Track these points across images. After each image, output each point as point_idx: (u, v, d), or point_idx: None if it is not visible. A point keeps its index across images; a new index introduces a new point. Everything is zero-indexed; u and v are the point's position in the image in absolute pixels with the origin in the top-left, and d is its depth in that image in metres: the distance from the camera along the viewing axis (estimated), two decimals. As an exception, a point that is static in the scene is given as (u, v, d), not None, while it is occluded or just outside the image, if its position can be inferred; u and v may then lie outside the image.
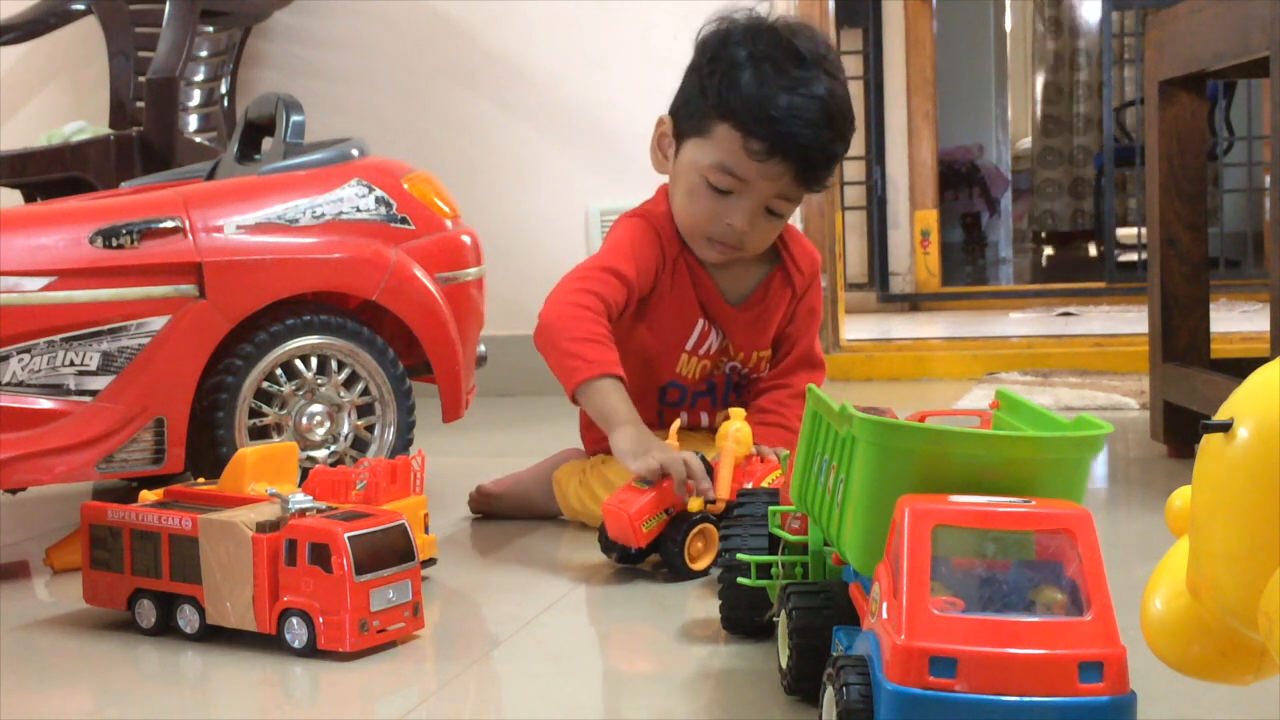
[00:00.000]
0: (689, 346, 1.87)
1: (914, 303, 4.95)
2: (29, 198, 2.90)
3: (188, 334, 1.81)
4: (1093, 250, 7.56)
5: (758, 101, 1.73)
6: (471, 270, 2.07)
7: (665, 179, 1.89)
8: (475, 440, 2.69)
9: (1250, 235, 5.51)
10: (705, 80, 1.77)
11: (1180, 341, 2.25)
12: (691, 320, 1.86)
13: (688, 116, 1.81)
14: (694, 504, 1.59)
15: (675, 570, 1.60)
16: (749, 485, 1.60)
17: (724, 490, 1.61)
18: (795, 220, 2.01)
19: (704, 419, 1.93)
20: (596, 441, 1.91)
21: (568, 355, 1.70)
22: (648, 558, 1.64)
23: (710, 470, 1.64)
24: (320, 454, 1.91)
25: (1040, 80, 8.36)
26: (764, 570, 1.28)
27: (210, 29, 3.07)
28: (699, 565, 1.61)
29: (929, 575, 0.92)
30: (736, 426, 1.66)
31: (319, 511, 1.39)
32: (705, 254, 1.84)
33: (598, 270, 1.79)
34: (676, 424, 1.73)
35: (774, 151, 1.74)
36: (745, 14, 1.81)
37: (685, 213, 1.82)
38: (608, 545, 1.64)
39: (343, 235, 1.92)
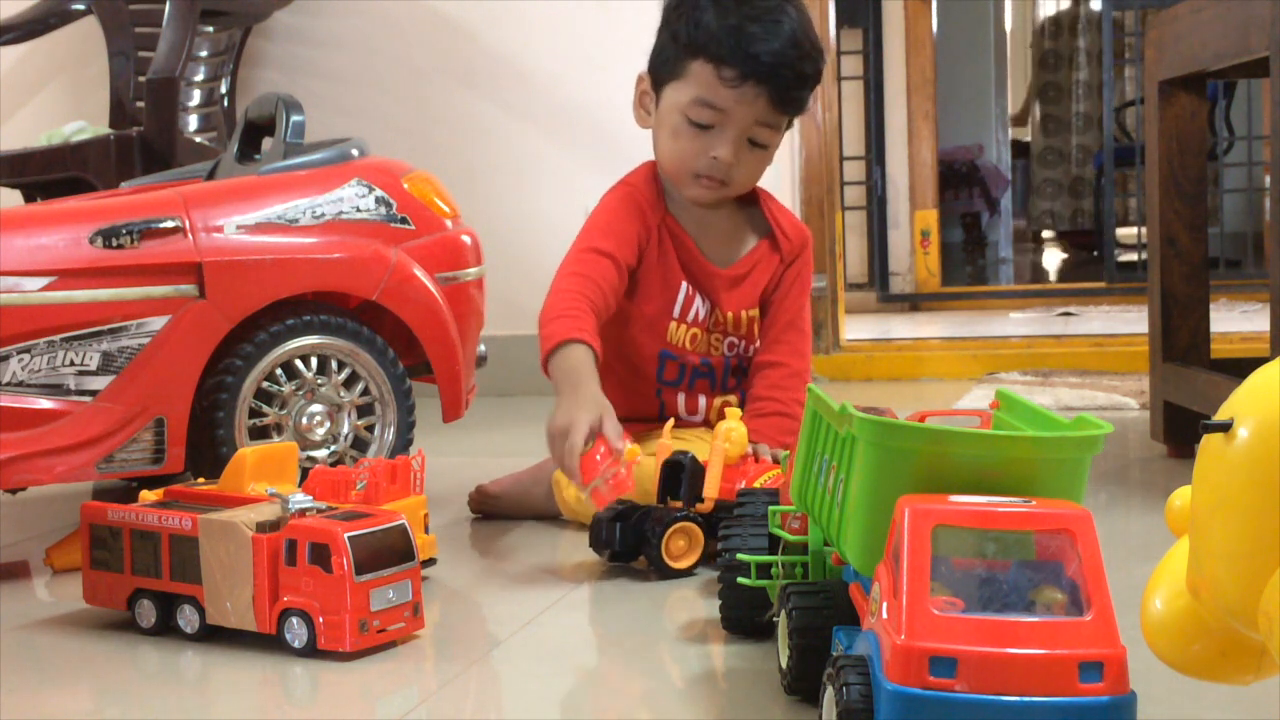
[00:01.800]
0: (676, 313, 1.89)
1: (914, 303, 4.94)
2: (29, 198, 2.90)
3: (188, 334, 1.80)
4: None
5: (724, 31, 1.78)
6: (471, 270, 2.07)
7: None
8: (475, 440, 2.69)
9: (1250, 235, 5.51)
10: (674, 27, 1.84)
11: (1180, 341, 2.25)
12: (675, 285, 1.89)
13: (663, 64, 1.86)
14: (630, 452, 1.58)
15: (657, 568, 1.60)
16: (743, 485, 1.60)
17: (712, 490, 1.63)
18: (794, 214, 2.02)
19: (701, 403, 1.92)
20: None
21: (542, 338, 1.74)
22: (640, 556, 1.64)
23: (702, 471, 1.65)
24: (320, 454, 1.91)
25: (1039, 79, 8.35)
26: (764, 570, 1.28)
27: (210, 29, 3.07)
28: (681, 564, 1.61)
29: (929, 575, 0.92)
30: (730, 426, 1.66)
31: (319, 511, 1.39)
32: (694, 193, 1.87)
33: (580, 253, 1.83)
34: (669, 425, 1.74)
35: (746, 76, 1.78)
36: None
37: (670, 153, 1.86)
38: (598, 543, 1.65)
39: (343, 235, 1.92)
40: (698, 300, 1.89)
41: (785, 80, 1.80)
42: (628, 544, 1.62)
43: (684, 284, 1.89)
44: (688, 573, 1.61)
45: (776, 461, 1.71)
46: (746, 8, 1.80)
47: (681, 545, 1.61)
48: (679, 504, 1.63)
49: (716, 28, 1.79)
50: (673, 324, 1.89)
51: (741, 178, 1.86)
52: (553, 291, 1.79)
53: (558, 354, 1.70)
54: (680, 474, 1.64)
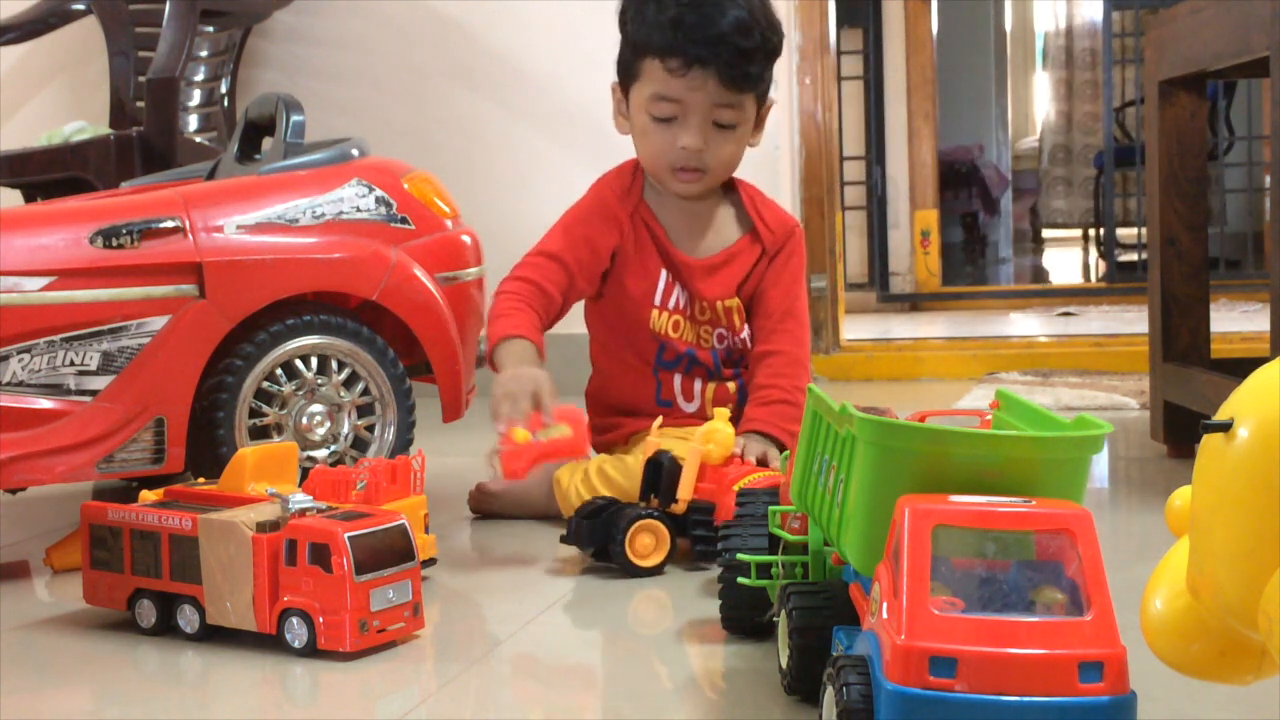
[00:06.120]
0: (657, 300, 1.93)
1: (914, 303, 4.95)
2: (29, 198, 2.90)
3: (188, 334, 1.80)
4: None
5: (664, 25, 1.84)
6: (471, 270, 2.07)
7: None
8: (475, 440, 2.68)
9: (1250, 235, 5.51)
10: (625, 31, 1.92)
11: (1180, 341, 2.25)
12: (655, 272, 1.93)
13: (623, 70, 1.94)
14: (520, 434, 1.65)
15: (621, 565, 1.61)
16: (737, 486, 1.60)
17: (685, 492, 1.64)
18: (795, 216, 2.03)
19: (697, 388, 1.94)
20: (599, 432, 1.93)
21: (488, 336, 1.85)
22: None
23: (679, 471, 1.65)
24: (320, 454, 1.91)
25: (1050, 77, 8.35)
26: (764, 570, 1.28)
27: (210, 29, 3.07)
28: (647, 562, 1.62)
29: (929, 575, 0.92)
30: (715, 428, 1.67)
31: (319, 511, 1.39)
32: (677, 188, 1.92)
33: (530, 258, 1.93)
34: (658, 423, 1.75)
35: (690, 63, 1.83)
36: None
37: (645, 153, 1.93)
38: (570, 538, 1.65)
39: (343, 235, 1.92)
40: (677, 289, 1.93)
41: (729, 59, 1.83)
42: (596, 540, 1.63)
43: (663, 271, 1.93)
44: (656, 571, 1.61)
45: (766, 465, 1.72)
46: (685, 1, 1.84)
47: (648, 543, 1.61)
48: (658, 502, 1.64)
49: (656, 23, 1.85)
50: (654, 310, 1.92)
51: (717, 163, 1.89)
52: (497, 294, 1.89)
53: (501, 346, 1.81)
54: (660, 472, 1.65)
